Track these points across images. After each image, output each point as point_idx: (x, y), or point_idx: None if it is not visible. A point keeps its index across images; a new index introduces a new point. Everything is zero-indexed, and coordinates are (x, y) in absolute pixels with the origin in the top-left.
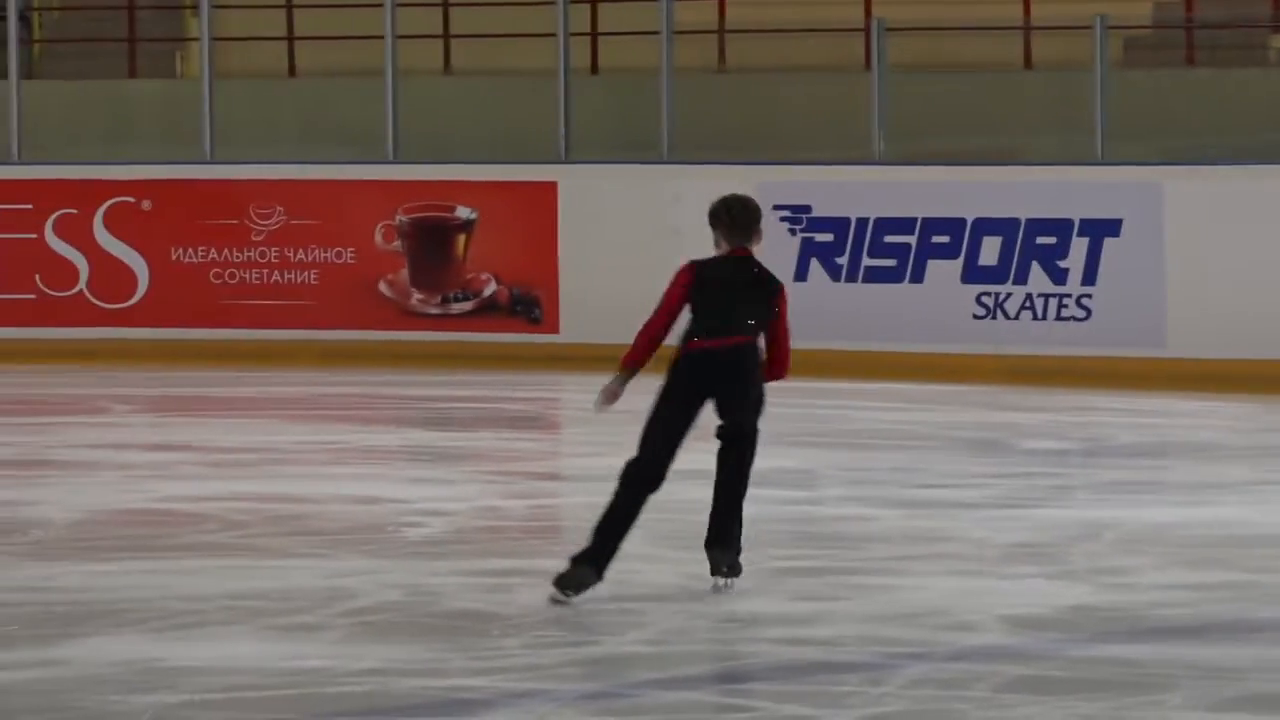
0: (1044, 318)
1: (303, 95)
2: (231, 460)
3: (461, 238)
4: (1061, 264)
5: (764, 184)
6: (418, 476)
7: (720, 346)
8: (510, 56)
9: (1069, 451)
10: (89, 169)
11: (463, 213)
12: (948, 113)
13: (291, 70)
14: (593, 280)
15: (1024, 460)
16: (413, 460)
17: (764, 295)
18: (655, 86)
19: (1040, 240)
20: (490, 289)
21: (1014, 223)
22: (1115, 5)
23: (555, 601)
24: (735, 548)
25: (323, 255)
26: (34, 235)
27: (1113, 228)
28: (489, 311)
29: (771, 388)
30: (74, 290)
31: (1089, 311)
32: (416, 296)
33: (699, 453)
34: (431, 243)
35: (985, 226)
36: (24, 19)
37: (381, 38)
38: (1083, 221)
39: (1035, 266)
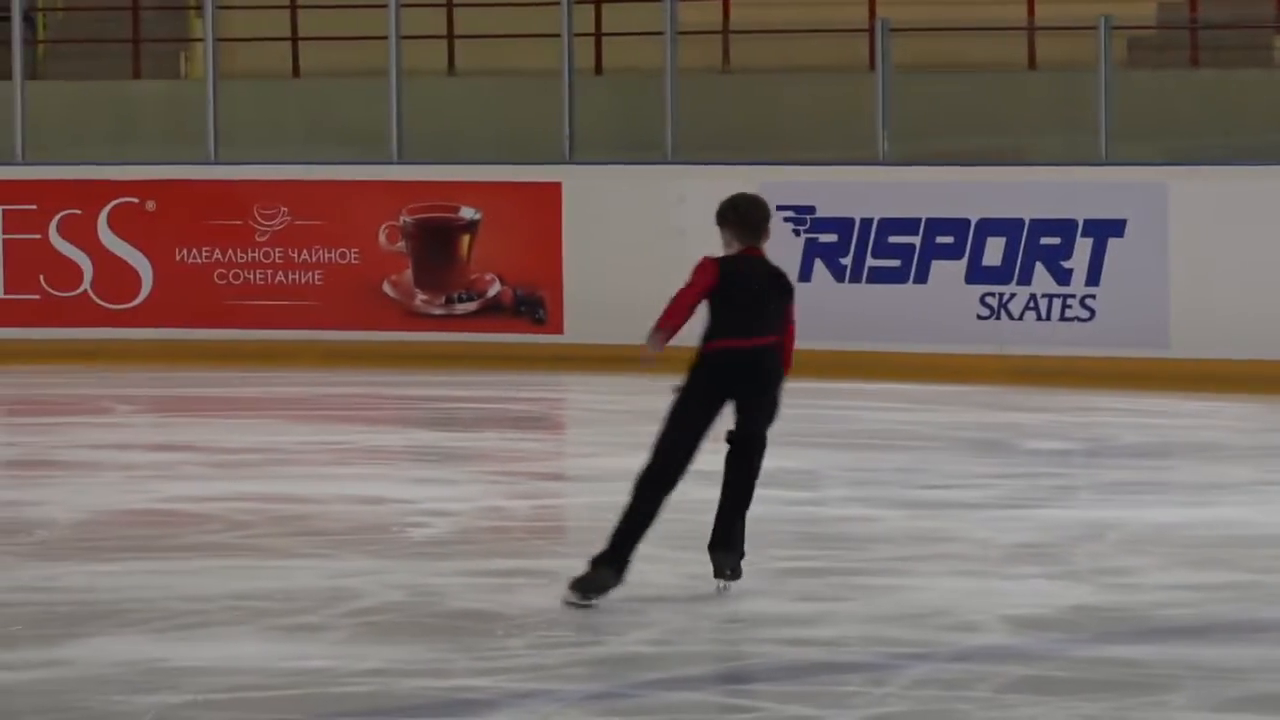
0: (1048, 318)
1: (307, 96)
2: (235, 460)
3: (465, 238)
4: (1065, 264)
5: (768, 184)
6: (422, 477)
7: (745, 346)
8: (514, 57)
9: (1072, 452)
10: (93, 169)
11: (467, 213)
12: (952, 113)
13: (295, 71)
14: (597, 281)
15: (1027, 460)
16: (417, 460)
17: (781, 294)
18: (659, 87)
19: (1044, 241)
20: (494, 289)
21: (1018, 223)
22: (1119, 6)
23: (573, 605)
24: (739, 551)
25: (327, 256)
26: (38, 236)
27: (1117, 228)
28: (493, 312)
29: None
30: (78, 291)
31: (1093, 312)
32: (420, 297)
33: (702, 453)
34: (435, 243)
35: (989, 227)
36: (28, 19)
37: (385, 38)
38: (1087, 222)
39: (1039, 267)
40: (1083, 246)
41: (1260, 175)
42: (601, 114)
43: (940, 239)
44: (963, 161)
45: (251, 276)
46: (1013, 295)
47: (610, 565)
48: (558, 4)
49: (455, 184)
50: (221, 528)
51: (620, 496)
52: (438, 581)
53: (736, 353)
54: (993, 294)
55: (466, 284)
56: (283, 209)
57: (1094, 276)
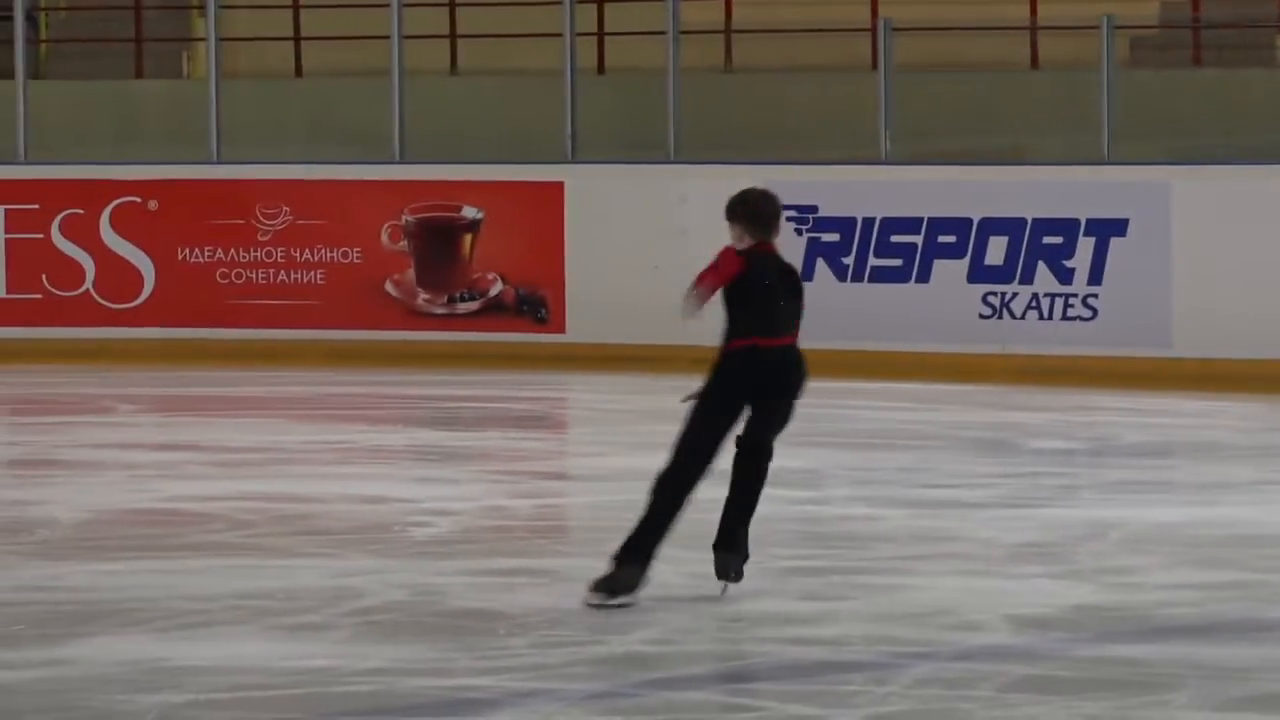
0: (1050, 317)
1: (309, 95)
2: (238, 460)
3: (468, 238)
4: (1068, 264)
5: (770, 184)
6: (424, 476)
7: (773, 346)
8: (516, 56)
9: (1075, 451)
10: (95, 169)
11: (469, 213)
12: (954, 112)
13: (298, 70)
14: (599, 280)
15: (1030, 460)
16: (419, 460)
17: (798, 292)
18: (662, 86)
19: (1046, 240)
20: (496, 289)
21: (1020, 222)
22: (1122, 5)
23: (597, 606)
24: (743, 553)
25: (329, 255)
26: (40, 235)
27: (1119, 227)
28: (495, 311)
29: None
30: (80, 290)
31: (1095, 311)
32: (423, 296)
33: None
34: (438, 243)
35: (991, 226)
36: (30, 19)
37: (388, 38)
38: (1089, 221)
39: (1041, 266)
40: (1085, 246)
41: (1263, 175)
42: (604, 113)
43: (942, 238)
44: (965, 161)
45: (254, 276)
46: (1015, 295)
47: (635, 564)
48: (560, 3)
49: (457, 183)
50: (224, 527)
51: (621, 495)
52: (440, 581)
53: (763, 351)
54: (995, 293)
55: (469, 283)
56: (285, 208)
57: (1096, 276)
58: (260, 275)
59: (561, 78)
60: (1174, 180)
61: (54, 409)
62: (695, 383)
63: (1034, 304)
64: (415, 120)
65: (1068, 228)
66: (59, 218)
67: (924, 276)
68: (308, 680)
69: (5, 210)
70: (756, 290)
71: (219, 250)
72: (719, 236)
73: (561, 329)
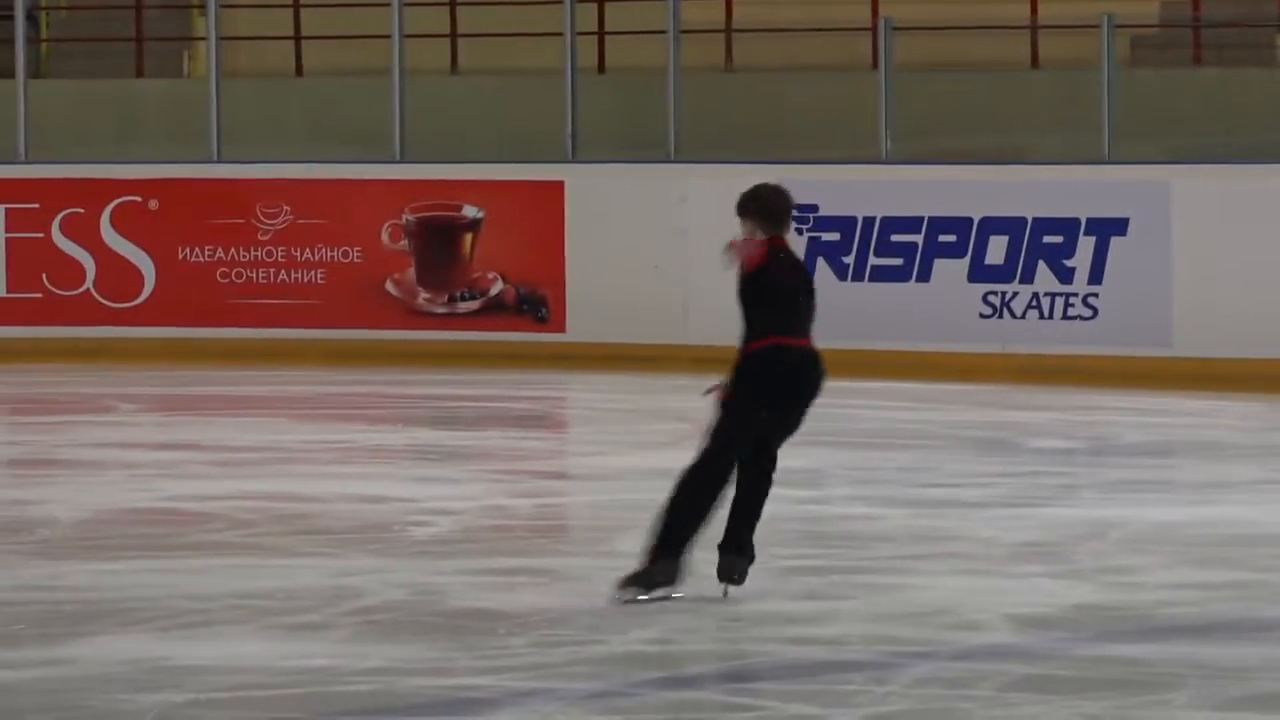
0: (1050, 317)
1: (309, 95)
2: (238, 459)
3: (468, 237)
4: (1068, 263)
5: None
6: (424, 475)
7: (793, 346)
8: (517, 56)
9: (1075, 450)
10: (96, 168)
11: (469, 212)
12: (954, 112)
13: (298, 70)
14: (599, 279)
15: (1030, 459)
16: (419, 459)
17: (811, 290)
18: (662, 86)
19: (1047, 239)
20: (497, 288)
21: (1021, 222)
22: (1122, 4)
23: (633, 601)
24: (749, 556)
25: (329, 254)
26: (41, 234)
27: (1119, 227)
28: (495, 310)
29: None
30: (81, 289)
31: (1096, 311)
32: (423, 296)
33: None
34: (438, 242)
35: (992, 225)
36: (31, 18)
37: (388, 37)
38: (1089, 220)
39: (1042, 265)
40: (1085, 245)
41: (1263, 174)
42: (604, 113)
43: (943, 237)
44: (965, 160)
45: (254, 275)
46: (1015, 294)
47: (670, 558)
48: (560, 3)
49: (458, 183)
50: (224, 526)
51: (621, 495)
52: (440, 580)
53: (786, 351)
54: (995, 293)
55: (469, 283)
56: (285, 208)
57: (1097, 275)
58: (260, 275)
59: (562, 77)
60: (1174, 180)
61: (54, 408)
62: (696, 382)
63: (1034, 303)
64: (415, 119)
65: (1068, 227)
66: (59, 217)
67: (924, 276)
68: (307, 680)
69: (6, 209)
70: (777, 290)
71: (219, 250)
72: (719, 236)
73: (562, 328)
